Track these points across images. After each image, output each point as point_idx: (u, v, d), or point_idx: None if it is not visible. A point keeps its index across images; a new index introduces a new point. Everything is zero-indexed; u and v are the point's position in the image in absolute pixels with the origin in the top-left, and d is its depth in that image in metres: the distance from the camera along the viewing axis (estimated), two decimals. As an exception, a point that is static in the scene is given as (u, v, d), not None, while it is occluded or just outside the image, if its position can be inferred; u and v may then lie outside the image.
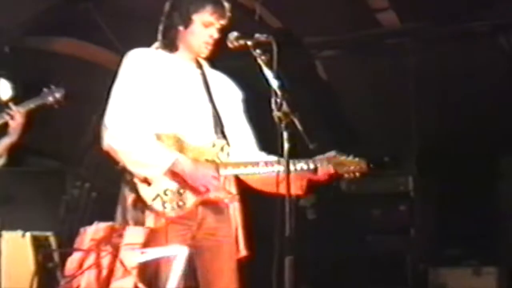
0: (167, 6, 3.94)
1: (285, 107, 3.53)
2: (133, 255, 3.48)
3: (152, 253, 3.54)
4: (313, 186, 4.02)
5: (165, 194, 3.67)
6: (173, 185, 3.70)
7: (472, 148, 7.57)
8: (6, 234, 5.87)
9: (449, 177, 7.75)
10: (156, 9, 4.03)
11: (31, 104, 5.05)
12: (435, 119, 7.64)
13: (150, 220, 3.64)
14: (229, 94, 4.04)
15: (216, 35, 3.88)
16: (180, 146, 3.75)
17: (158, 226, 3.63)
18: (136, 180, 3.67)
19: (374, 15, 7.37)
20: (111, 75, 3.85)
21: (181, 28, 3.87)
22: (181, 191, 3.69)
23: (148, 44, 3.97)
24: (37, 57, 7.43)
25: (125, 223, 3.68)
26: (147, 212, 3.65)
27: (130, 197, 3.70)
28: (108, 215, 3.86)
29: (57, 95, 5.14)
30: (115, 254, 3.46)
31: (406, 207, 7.49)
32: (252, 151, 4.04)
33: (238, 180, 3.95)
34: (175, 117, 3.78)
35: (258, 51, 3.70)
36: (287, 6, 7.02)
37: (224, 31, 3.89)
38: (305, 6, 7.06)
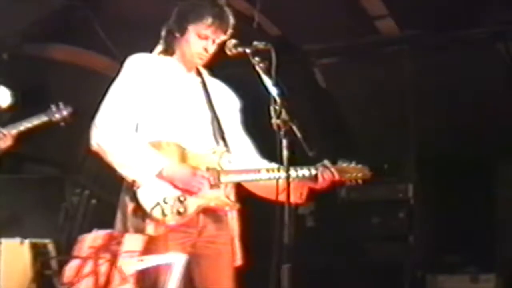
0: (175, 10, 3.89)
1: (284, 114, 3.53)
2: (131, 263, 3.48)
3: (150, 261, 3.53)
4: (313, 195, 4.01)
5: (165, 202, 3.63)
6: (173, 193, 3.66)
7: (470, 155, 7.57)
8: (4, 241, 5.87)
9: (448, 185, 7.75)
10: (154, 16, 4.02)
11: (21, 127, 5.04)
12: (434, 126, 7.64)
13: (150, 228, 3.61)
14: (228, 102, 4.02)
15: (210, 48, 3.84)
16: (181, 154, 3.73)
17: (158, 234, 3.61)
18: (136, 188, 3.64)
19: (373, 23, 7.37)
20: (110, 82, 3.85)
21: (177, 34, 3.84)
22: (182, 198, 3.66)
23: (145, 51, 3.95)
24: (36, 64, 7.43)
25: (125, 231, 3.65)
26: (148, 220, 3.62)
27: (130, 205, 3.66)
28: (107, 223, 3.85)
29: (65, 113, 5.15)
30: (113, 262, 3.46)
31: (405, 214, 7.48)
32: (254, 158, 4.03)
33: (238, 189, 3.93)
34: (175, 125, 3.76)
35: (256, 58, 3.70)
36: (285, 13, 7.01)
37: (222, 45, 3.81)
38: (304, 14, 7.05)
